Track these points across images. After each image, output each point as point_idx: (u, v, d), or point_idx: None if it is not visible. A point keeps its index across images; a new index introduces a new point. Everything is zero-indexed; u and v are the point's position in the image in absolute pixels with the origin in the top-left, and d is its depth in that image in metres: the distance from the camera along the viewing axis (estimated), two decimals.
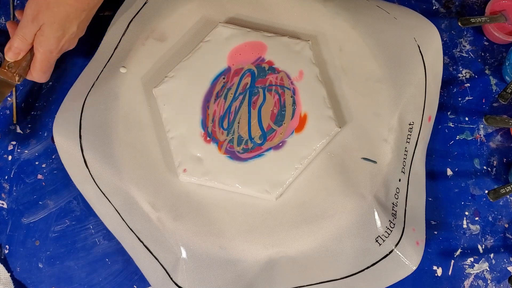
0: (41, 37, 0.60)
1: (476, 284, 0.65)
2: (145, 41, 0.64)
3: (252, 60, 0.62)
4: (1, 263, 0.65)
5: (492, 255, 0.65)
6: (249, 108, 0.61)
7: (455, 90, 0.71)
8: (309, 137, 0.60)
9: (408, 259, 0.58)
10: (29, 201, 0.67)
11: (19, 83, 0.63)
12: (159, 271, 0.60)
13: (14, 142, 0.69)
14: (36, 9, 0.59)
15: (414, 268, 0.59)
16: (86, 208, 0.66)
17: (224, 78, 0.62)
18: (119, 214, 0.61)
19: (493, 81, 0.71)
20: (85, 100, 0.63)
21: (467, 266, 0.65)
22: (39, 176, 0.68)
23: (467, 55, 0.72)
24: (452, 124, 0.70)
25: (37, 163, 0.68)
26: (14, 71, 0.62)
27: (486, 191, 0.64)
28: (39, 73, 0.63)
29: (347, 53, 0.64)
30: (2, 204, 0.67)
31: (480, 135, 0.69)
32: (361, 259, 0.59)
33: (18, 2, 0.74)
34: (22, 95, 0.71)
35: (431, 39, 0.66)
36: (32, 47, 0.62)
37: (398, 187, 0.61)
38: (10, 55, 0.62)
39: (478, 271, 0.65)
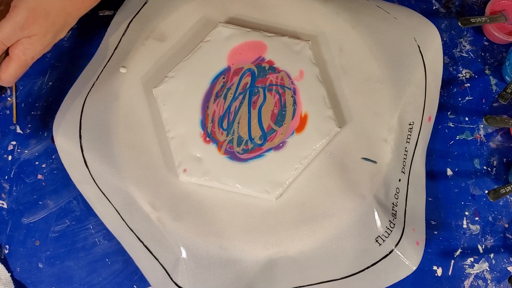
0: (28, 45, 0.54)
1: (476, 284, 0.65)
2: (145, 41, 0.64)
3: (252, 59, 0.62)
4: (1, 263, 0.65)
5: (492, 255, 0.65)
6: (249, 108, 0.61)
7: (455, 90, 0.71)
8: (309, 137, 0.60)
9: (408, 259, 0.58)
10: (29, 201, 0.67)
11: None
12: (159, 271, 0.60)
13: (14, 142, 0.69)
14: (31, 18, 0.52)
15: (414, 268, 0.59)
16: (86, 208, 0.66)
17: (223, 78, 0.62)
18: (119, 214, 0.61)
19: (493, 81, 0.71)
20: (85, 100, 0.63)
21: (467, 266, 0.65)
22: (39, 176, 0.68)
23: (467, 55, 0.72)
24: (452, 124, 0.70)
25: (37, 163, 0.68)
26: None
27: (486, 191, 0.64)
28: (11, 78, 0.56)
29: (347, 53, 0.64)
30: (2, 204, 0.67)
31: (480, 135, 0.69)
32: (361, 259, 0.59)
33: None
34: (22, 95, 0.71)
35: (431, 39, 0.66)
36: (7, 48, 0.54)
37: (398, 187, 0.61)
38: None
39: (478, 271, 0.65)
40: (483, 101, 0.70)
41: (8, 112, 0.70)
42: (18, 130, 0.70)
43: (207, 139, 0.60)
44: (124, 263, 0.65)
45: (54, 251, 0.66)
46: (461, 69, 0.71)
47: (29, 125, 0.70)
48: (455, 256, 0.66)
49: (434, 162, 0.68)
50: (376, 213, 0.58)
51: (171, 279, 0.59)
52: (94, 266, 0.65)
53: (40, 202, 0.67)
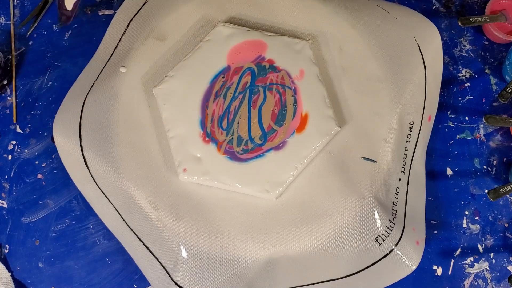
0: None
1: (476, 283, 0.65)
2: (145, 40, 0.64)
3: (252, 58, 0.62)
4: (1, 263, 0.65)
5: (492, 255, 0.65)
6: (249, 108, 0.61)
7: (455, 89, 0.71)
8: (309, 137, 0.59)
9: (408, 258, 0.58)
10: (29, 201, 0.67)
11: None
12: (159, 271, 0.60)
13: (14, 142, 0.69)
14: None
15: (414, 267, 0.59)
16: (86, 207, 0.66)
17: (223, 77, 0.62)
18: (119, 213, 0.61)
19: (493, 80, 0.71)
20: (85, 99, 0.63)
21: (467, 266, 0.65)
22: (39, 176, 0.68)
23: (467, 55, 0.72)
24: (452, 124, 0.69)
25: (37, 162, 0.68)
26: None
27: (486, 191, 0.64)
28: None
29: (347, 53, 0.64)
30: (2, 203, 0.67)
31: (480, 134, 0.69)
32: (361, 258, 0.59)
33: (18, 1, 0.74)
34: (22, 95, 0.70)
35: (431, 39, 0.66)
36: None
37: (398, 186, 0.61)
38: None
39: (478, 271, 0.65)
40: (483, 100, 0.70)
41: (8, 111, 0.70)
42: (18, 130, 0.70)
43: (207, 139, 0.60)
44: (124, 263, 0.65)
45: (54, 250, 0.66)
46: (461, 69, 0.71)
47: (29, 125, 0.70)
48: (455, 255, 0.66)
49: (434, 162, 0.68)
50: (376, 213, 0.58)
51: (171, 278, 0.59)
52: (94, 266, 0.65)
53: (40, 202, 0.67)
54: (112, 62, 0.64)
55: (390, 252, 0.58)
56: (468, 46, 0.72)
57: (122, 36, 0.65)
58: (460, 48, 0.72)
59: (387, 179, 0.60)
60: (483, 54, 0.72)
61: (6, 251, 0.66)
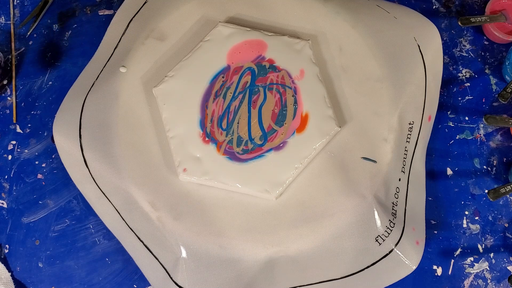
0: None
1: (476, 283, 0.65)
2: (145, 40, 0.64)
3: (252, 58, 0.62)
4: (1, 263, 0.65)
5: (492, 255, 0.65)
6: (249, 108, 0.61)
7: (455, 89, 0.71)
8: (309, 137, 0.60)
9: (408, 258, 0.58)
10: (29, 201, 0.67)
11: None
12: (159, 271, 0.60)
13: (14, 142, 0.69)
14: None
15: (414, 267, 0.59)
16: (86, 207, 0.66)
17: (223, 77, 0.62)
18: (119, 213, 0.61)
19: (493, 80, 0.71)
20: (85, 99, 0.63)
21: (467, 266, 0.65)
22: (39, 176, 0.68)
23: (467, 55, 0.72)
24: (452, 124, 0.69)
25: (37, 162, 0.68)
26: None
27: (486, 191, 0.64)
28: None
29: (347, 53, 0.64)
30: (2, 203, 0.67)
31: (480, 134, 0.69)
32: (361, 258, 0.59)
33: (18, 1, 0.74)
34: (22, 95, 0.70)
35: (431, 39, 0.66)
36: None
37: (398, 186, 0.61)
38: None
39: (478, 271, 0.65)
40: (483, 100, 0.70)
41: (8, 111, 0.70)
42: (18, 130, 0.70)
43: (206, 139, 0.60)
44: (124, 263, 0.65)
45: (54, 250, 0.66)
46: (461, 69, 0.71)
47: (29, 125, 0.70)
48: (455, 255, 0.66)
49: (434, 162, 0.68)
50: (376, 213, 0.58)
51: (171, 278, 0.59)
52: (94, 266, 0.65)
53: (40, 202, 0.67)
54: (112, 62, 0.64)
55: (390, 252, 0.58)
56: (468, 46, 0.72)
57: (122, 36, 0.65)
58: (460, 48, 0.72)
59: (387, 179, 0.60)
60: (483, 54, 0.72)
61: (6, 251, 0.66)
